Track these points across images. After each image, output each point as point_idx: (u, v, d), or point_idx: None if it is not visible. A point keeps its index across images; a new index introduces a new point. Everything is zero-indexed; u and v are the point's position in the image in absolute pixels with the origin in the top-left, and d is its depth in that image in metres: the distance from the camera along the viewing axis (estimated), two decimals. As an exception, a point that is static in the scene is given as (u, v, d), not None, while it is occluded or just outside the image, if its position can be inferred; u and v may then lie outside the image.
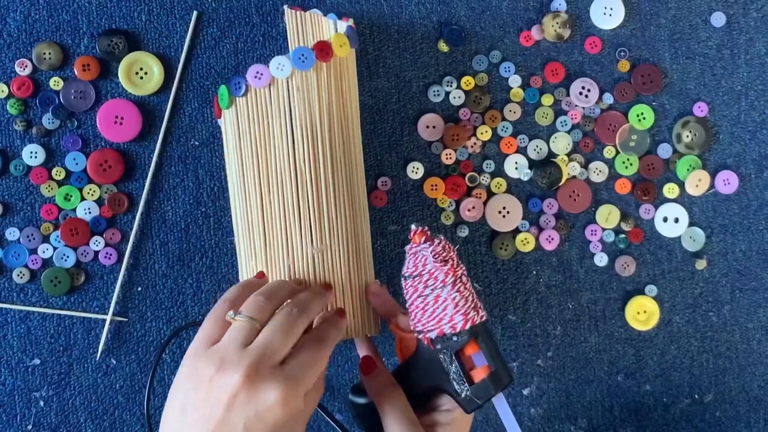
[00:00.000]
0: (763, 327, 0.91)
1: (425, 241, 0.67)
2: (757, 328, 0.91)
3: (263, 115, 0.74)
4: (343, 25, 0.77)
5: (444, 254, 0.66)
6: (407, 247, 0.68)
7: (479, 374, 0.64)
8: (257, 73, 0.73)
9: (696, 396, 0.90)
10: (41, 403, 0.83)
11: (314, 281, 0.73)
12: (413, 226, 0.68)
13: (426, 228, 0.68)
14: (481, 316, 0.65)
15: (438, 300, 0.65)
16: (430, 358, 0.65)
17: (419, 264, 0.66)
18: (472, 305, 0.65)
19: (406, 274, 0.67)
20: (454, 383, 0.64)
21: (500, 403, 0.64)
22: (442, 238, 0.68)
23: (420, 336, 0.66)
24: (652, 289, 0.88)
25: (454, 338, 0.64)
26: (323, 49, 0.72)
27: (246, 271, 0.77)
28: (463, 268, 0.67)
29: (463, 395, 0.64)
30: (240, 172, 0.77)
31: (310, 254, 0.73)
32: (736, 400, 0.91)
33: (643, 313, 0.88)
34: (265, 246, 0.75)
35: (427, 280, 0.65)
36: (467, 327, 0.64)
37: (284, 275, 0.74)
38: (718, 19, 0.89)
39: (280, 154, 0.74)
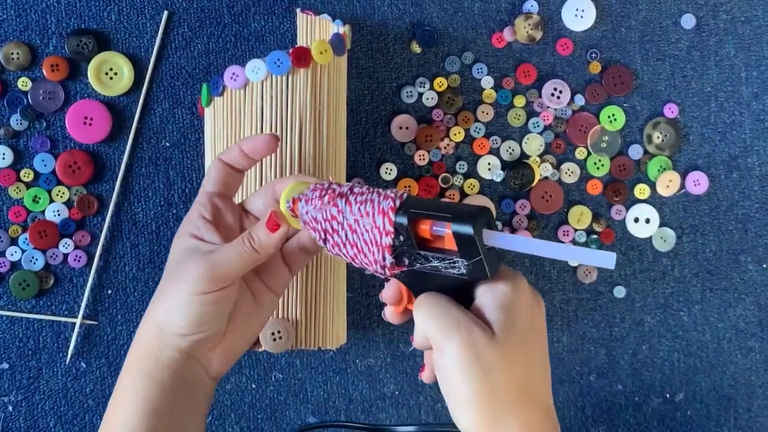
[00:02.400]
0: (733, 326, 0.96)
1: (306, 201, 0.62)
2: (727, 327, 0.95)
3: (236, 116, 0.78)
4: (338, 30, 0.81)
5: (321, 195, 0.61)
6: (302, 223, 0.63)
7: (450, 239, 0.56)
8: (233, 74, 0.77)
9: (667, 395, 0.95)
10: (10, 408, 0.85)
11: None
12: (288, 206, 0.63)
13: (297, 197, 0.62)
14: (399, 196, 0.58)
15: (355, 229, 0.59)
16: (416, 276, 0.59)
17: (313, 223, 0.61)
18: (381, 198, 0.58)
19: (324, 244, 0.62)
20: (451, 270, 0.57)
21: (501, 239, 0.55)
22: (311, 187, 0.62)
23: (388, 273, 0.60)
24: (620, 290, 0.93)
25: (400, 238, 0.57)
26: (300, 56, 0.76)
27: None
28: (349, 184, 0.61)
29: (465, 270, 0.56)
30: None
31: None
32: (707, 398, 0.95)
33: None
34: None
35: (330, 228, 0.60)
36: (394, 218, 0.57)
37: None
38: (688, 21, 0.94)
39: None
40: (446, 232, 0.55)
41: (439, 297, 0.57)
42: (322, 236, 0.61)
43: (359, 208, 0.58)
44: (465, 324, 0.55)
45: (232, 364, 0.67)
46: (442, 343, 0.55)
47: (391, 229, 0.57)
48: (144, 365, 0.63)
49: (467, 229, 0.54)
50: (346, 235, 0.60)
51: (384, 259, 0.58)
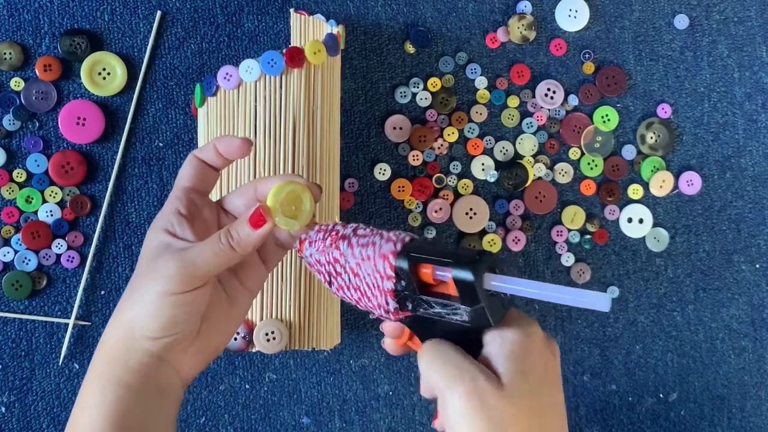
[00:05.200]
0: (726, 326, 0.96)
1: (310, 243, 0.61)
2: (720, 327, 0.96)
3: (229, 116, 0.78)
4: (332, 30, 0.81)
5: (324, 237, 0.60)
6: (308, 265, 0.62)
7: (451, 285, 0.54)
8: (227, 74, 0.77)
9: (661, 395, 0.95)
10: (2, 409, 0.85)
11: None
12: (295, 246, 0.62)
13: (303, 237, 0.62)
14: (401, 239, 0.57)
15: (357, 272, 0.58)
16: (421, 322, 0.57)
17: (317, 266, 0.61)
18: (383, 240, 0.57)
19: (330, 287, 0.61)
20: (454, 317, 0.55)
21: (503, 282, 0.53)
22: (315, 229, 0.61)
23: (393, 318, 0.59)
24: (614, 290, 0.93)
25: (402, 282, 0.56)
26: (294, 56, 0.76)
27: None
28: (353, 225, 0.60)
29: (467, 317, 0.54)
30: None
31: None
32: (700, 398, 0.96)
33: (608, 313, 0.93)
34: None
35: (333, 271, 0.59)
36: (394, 262, 0.55)
37: None
38: (682, 22, 0.94)
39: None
40: (448, 277, 0.54)
41: (444, 344, 0.55)
42: (327, 279, 0.60)
43: (360, 251, 0.57)
44: (470, 373, 0.52)
45: (204, 367, 0.64)
46: (447, 394, 0.52)
47: (392, 274, 0.56)
48: (112, 368, 0.59)
49: (467, 275, 0.52)
50: (350, 279, 0.58)
51: (387, 303, 0.57)
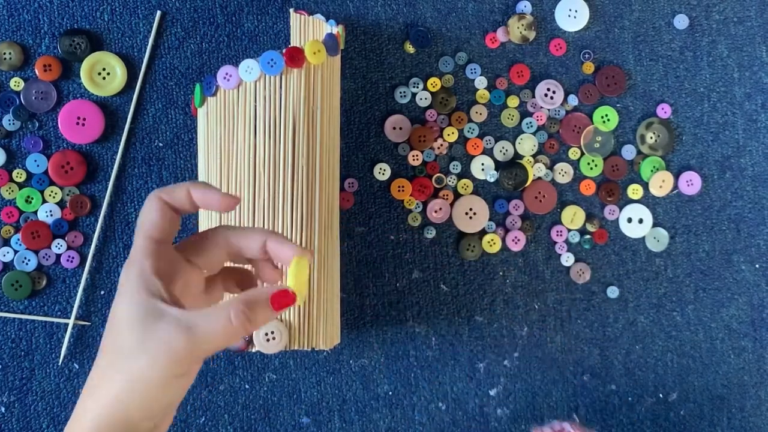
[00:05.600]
0: (726, 326, 0.96)
1: None
2: (720, 327, 0.96)
3: (229, 116, 0.78)
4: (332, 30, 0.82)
5: None
6: None
7: None
8: (226, 74, 0.77)
9: (661, 395, 0.95)
10: (2, 409, 0.85)
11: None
12: None
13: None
14: None
15: None
16: None
17: None
18: None
19: None
20: None
21: None
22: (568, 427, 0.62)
23: None
24: (614, 290, 0.93)
25: None
26: (294, 56, 0.76)
27: None
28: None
29: None
30: (205, 173, 0.80)
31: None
32: (700, 398, 0.96)
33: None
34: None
35: None
36: None
37: None
38: (681, 22, 0.94)
39: (240, 158, 0.77)
40: None
41: None
42: None
43: None
44: None
45: None
46: None
47: None
48: None
49: None
50: None
51: None
